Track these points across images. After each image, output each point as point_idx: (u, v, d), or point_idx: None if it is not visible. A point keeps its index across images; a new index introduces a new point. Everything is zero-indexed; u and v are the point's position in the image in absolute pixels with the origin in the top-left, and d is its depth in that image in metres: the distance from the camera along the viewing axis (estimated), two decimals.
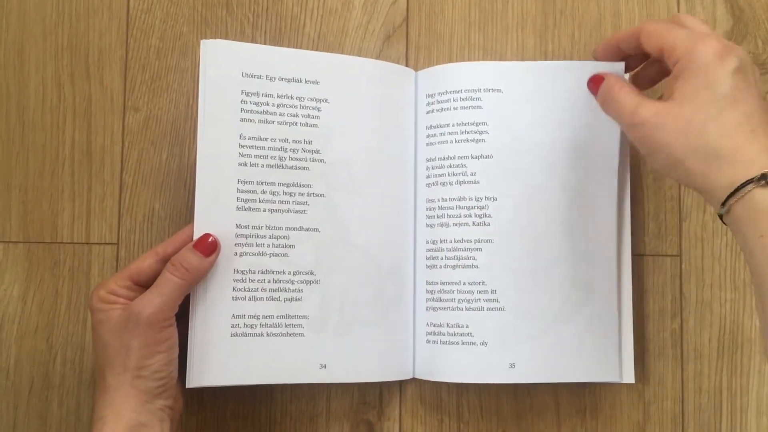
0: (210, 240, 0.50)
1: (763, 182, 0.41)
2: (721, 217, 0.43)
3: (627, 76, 0.55)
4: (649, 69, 0.54)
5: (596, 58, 0.54)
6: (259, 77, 0.53)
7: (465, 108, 0.56)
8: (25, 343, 0.58)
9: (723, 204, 0.42)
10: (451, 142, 0.56)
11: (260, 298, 0.52)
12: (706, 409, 0.59)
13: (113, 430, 0.46)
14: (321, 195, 0.54)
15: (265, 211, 0.52)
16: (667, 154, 0.44)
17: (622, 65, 0.54)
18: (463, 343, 0.55)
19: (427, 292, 0.56)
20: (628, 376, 0.56)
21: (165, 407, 0.48)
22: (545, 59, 0.60)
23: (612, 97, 0.48)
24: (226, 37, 0.59)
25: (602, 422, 0.59)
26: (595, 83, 0.51)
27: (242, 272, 0.52)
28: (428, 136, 0.57)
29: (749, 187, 0.41)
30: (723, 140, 0.42)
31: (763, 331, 0.43)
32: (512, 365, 0.54)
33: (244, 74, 0.53)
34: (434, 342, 0.56)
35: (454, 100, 0.56)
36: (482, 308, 0.55)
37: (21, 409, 0.57)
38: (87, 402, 0.57)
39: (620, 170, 0.56)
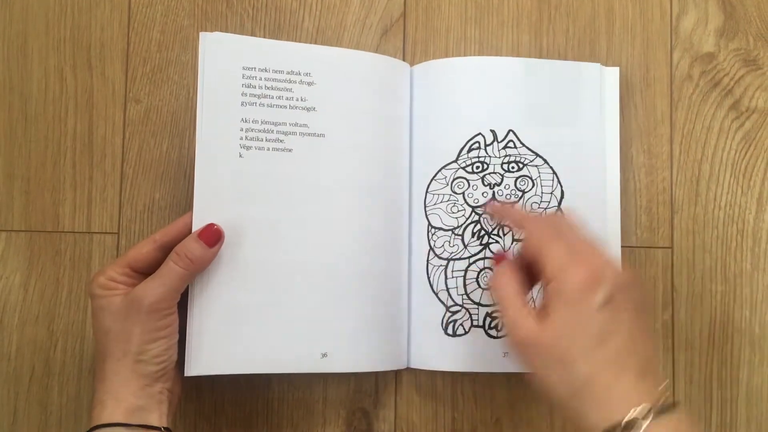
0: (215, 228, 0.51)
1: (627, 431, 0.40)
2: None
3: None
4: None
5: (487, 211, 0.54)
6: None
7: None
8: (27, 331, 0.59)
9: None
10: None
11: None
12: (697, 399, 0.59)
13: (112, 414, 0.47)
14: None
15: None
16: (539, 384, 0.44)
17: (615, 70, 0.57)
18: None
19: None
20: None
21: (164, 390, 0.49)
22: (540, 55, 0.61)
23: (497, 291, 0.47)
24: (226, 31, 0.60)
25: None
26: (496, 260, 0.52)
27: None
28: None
29: None
30: (593, 379, 0.42)
31: None
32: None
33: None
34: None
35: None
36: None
37: (22, 395, 0.58)
38: (87, 389, 0.58)
39: (608, 170, 0.58)
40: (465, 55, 0.61)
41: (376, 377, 0.59)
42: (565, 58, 0.61)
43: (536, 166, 0.57)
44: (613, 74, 0.59)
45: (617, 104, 0.59)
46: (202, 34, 0.53)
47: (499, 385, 0.59)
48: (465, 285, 0.56)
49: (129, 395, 0.48)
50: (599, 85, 0.58)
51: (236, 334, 0.52)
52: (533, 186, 0.57)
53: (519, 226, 0.49)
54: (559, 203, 0.57)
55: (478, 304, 0.56)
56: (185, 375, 0.51)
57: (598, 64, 0.59)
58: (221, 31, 0.59)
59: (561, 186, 0.57)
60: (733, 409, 0.59)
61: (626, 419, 0.40)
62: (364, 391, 0.59)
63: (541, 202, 0.57)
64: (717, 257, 0.60)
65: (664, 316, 0.60)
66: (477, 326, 0.56)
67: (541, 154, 0.57)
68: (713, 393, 0.59)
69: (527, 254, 0.47)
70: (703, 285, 0.60)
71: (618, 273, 0.44)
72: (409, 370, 0.58)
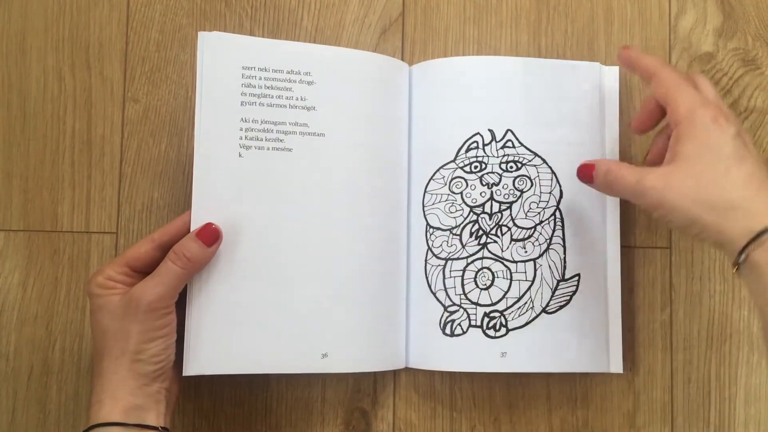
0: (213, 228, 0.51)
1: None
2: (736, 268, 0.44)
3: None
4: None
5: (635, 130, 0.55)
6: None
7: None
8: (25, 330, 0.59)
9: (741, 251, 0.43)
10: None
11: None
12: (695, 398, 0.59)
13: (110, 413, 0.47)
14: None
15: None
16: (680, 213, 0.46)
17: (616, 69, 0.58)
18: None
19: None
20: (617, 366, 0.57)
21: (162, 389, 0.49)
22: (538, 54, 0.62)
23: (614, 177, 0.49)
24: (225, 30, 0.60)
25: (593, 411, 0.59)
26: (585, 171, 0.51)
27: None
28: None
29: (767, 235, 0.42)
30: (736, 193, 0.44)
31: None
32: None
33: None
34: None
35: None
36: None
37: (20, 394, 0.58)
38: (85, 388, 0.58)
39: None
40: (464, 54, 0.61)
41: (375, 377, 0.59)
42: (564, 58, 0.61)
43: (535, 165, 0.57)
44: (612, 73, 0.59)
45: (617, 103, 0.59)
46: (200, 34, 0.53)
47: (498, 385, 0.59)
48: (463, 285, 0.56)
49: (126, 394, 0.48)
50: (599, 85, 0.58)
51: (235, 334, 0.52)
52: (532, 185, 0.57)
53: (650, 72, 0.50)
54: (558, 203, 0.57)
55: (476, 304, 0.56)
56: (183, 374, 0.51)
57: (598, 63, 0.59)
58: (220, 30, 0.59)
59: (560, 186, 0.57)
60: (731, 409, 0.59)
61: None
62: (362, 391, 0.59)
63: (539, 201, 0.57)
64: (715, 257, 0.60)
65: (662, 315, 0.60)
66: (475, 326, 0.56)
67: (539, 153, 0.57)
68: (711, 392, 0.59)
69: (658, 97, 0.49)
70: (701, 285, 0.60)
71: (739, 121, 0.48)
72: (407, 369, 0.58)
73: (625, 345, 0.58)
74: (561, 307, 0.56)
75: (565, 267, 0.56)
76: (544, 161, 0.57)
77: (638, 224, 0.60)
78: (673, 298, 0.60)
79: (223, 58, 0.53)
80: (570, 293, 0.56)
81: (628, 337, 0.59)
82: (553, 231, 0.57)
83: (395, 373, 0.59)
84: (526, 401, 0.59)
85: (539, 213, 0.57)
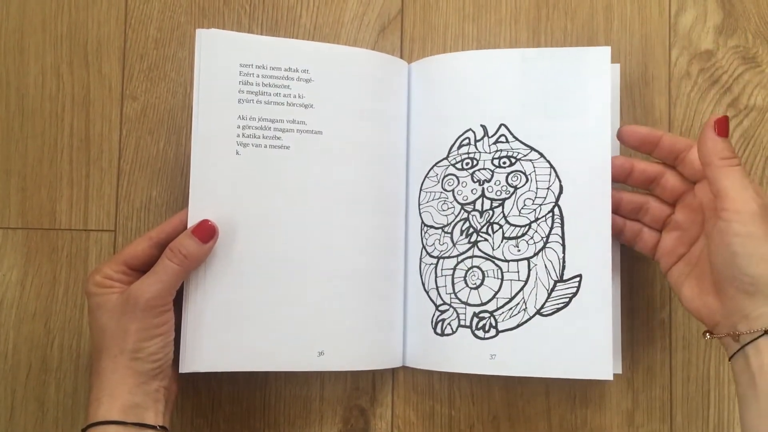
0: (209, 224, 0.51)
1: None
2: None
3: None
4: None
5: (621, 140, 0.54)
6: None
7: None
8: (24, 328, 0.59)
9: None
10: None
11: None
12: (694, 397, 0.59)
13: (108, 412, 0.47)
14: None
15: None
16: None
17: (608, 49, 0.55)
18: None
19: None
20: (616, 367, 0.56)
21: (161, 388, 0.49)
22: None
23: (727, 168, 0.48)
24: (223, 28, 0.60)
25: (591, 410, 0.59)
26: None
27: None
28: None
29: None
30: None
31: None
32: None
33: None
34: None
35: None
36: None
37: (19, 392, 0.58)
38: (84, 386, 0.58)
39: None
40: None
41: (373, 375, 0.59)
42: None
43: (531, 160, 0.55)
44: (613, 69, 0.57)
45: (618, 99, 0.58)
46: (198, 31, 0.53)
47: (496, 383, 0.59)
48: (453, 284, 0.55)
49: (125, 393, 0.48)
50: (608, 70, 0.55)
51: (231, 331, 0.52)
52: (527, 181, 0.55)
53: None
54: (557, 198, 0.54)
55: (466, 303, 0.55)
56: (180, 371, 0.51)
57: (608, 48, 0.55)
58: (218, 27, 0.59)
59: (560, 180, 0.55)
60: (730, 407, 0.59)
61: None
62: (361, 389, 0.59)
63: (535, 198, 0.55)
64: None
65: (661, 314, 0.60)
66: (464, 326, 0.55)
67: (537, 147, 0.55)
68: (710, 390, 0.59)
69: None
70: None
71: None
72: (405, 368, 0.58)
73: (624, 344, 0.57)
74: (558, 309, 0.54)
75: (564, 267, 0.54)
76: (542, 155, 0.55)
77: None
78: (672, 296, 0.60)
79: (220, 56, 0.53)
80: (569, 295, 0.54)
81: (627, 335, 0.59)
82: (551, 228, 0.54)
83: (394, 372, 0.59)
84: (524, 400, 0.59)
85: (535, 210, 0.55)
